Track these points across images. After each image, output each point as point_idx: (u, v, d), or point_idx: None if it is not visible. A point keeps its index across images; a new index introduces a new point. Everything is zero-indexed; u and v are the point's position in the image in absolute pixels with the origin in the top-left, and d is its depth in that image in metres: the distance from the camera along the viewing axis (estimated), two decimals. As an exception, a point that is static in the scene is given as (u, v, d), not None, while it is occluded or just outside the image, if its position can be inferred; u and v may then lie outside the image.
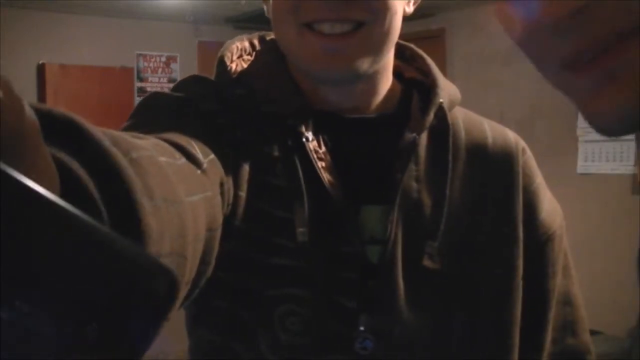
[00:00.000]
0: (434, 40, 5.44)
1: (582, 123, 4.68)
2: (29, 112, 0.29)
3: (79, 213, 0.27)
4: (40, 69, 5.28)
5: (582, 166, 4.70)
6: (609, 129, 0.32)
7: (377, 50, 0.76)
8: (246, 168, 0.75)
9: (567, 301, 0.88)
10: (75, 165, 0.38)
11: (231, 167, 0.72)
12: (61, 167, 0.37)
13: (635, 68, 0.29)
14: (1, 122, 0.27)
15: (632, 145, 4.41)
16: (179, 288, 0.33)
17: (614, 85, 0.30)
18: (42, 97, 5.19)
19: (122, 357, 0.28)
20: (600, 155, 4.61)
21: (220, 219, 0.65)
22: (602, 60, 0.30)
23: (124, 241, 0.28)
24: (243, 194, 0.74)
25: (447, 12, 5.34)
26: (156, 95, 0.77)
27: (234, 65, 0.83)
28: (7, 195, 0.25)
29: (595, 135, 4.63)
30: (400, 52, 0.86)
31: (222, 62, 0.83)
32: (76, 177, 0.38)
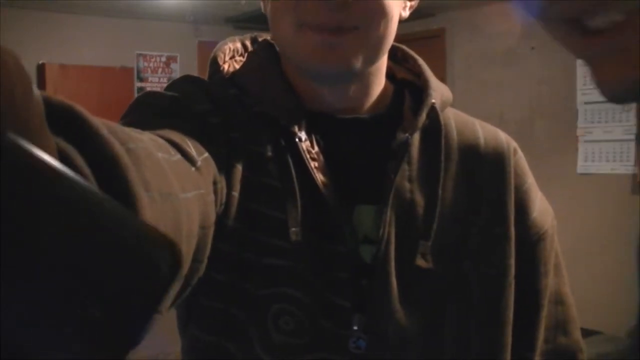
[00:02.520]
0: (434, 40, 5.45)
1: (582, 123, 4.68)
2: (36, 90, 0.29)
3: (89, 185, 0.26)
4: (40, 69, 5.29)
5: (582, 166, 4.70)
6: (616, 96, 0.33)
7: (372, 51, 0.77)
8: (239, 168, 0.75)
9: (559, 300, 0.88)
10: (72, 152, 0.38)
11: (224, 167, 0.72)
12: (59, 153, 0.37)
13: None
14: (14, 94, 0.26)
15: (632, 145, 4.41)
16: (182, 263, 0.32)
17: (622, 56, 0.31)
18: (42, 97, 5.18)
19: (120, 344, 0.27)
20: (600, 155, 4.62)
21: (213, 217, 0.65)
22: (611, 33, 0.31)
23: (131, 214, 0.27)
24: (236, 193, 0.74)
25: (447, 12, 5.34)
26: (149, 95, 0.77)
27: (226, 66, 0.84)
28: (18, 167, 0.24)
29: (595, 135, 4.63)
30: (392, 53, 0.86)
31: (214, 63, 0.83)
32: (74, 164, 0.38)
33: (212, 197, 0.66)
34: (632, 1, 0.30)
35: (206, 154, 0.67)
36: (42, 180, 0.25)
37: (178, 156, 0.60)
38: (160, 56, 5.92)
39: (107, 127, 0.42)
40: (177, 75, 5.88)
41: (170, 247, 0.29)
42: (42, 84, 5.25)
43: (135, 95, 5.53)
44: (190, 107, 0.75)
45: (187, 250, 0.56)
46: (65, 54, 5.39)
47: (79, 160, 0.38)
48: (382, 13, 0.74)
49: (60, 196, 0.25)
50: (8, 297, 0.24)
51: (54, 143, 0.31)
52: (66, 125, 0.38)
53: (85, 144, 0.39)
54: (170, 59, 5.97)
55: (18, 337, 0.25)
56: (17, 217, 0.24)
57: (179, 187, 0.54)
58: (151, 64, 5.90)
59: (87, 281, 0.26)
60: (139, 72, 5.85)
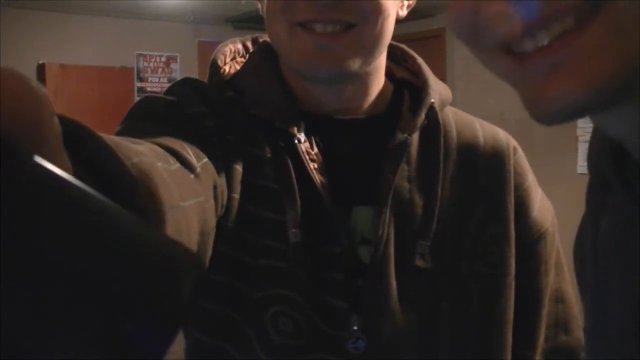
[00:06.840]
0: (434, 40, 5.45)
1: (581, 123, 4.68)
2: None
3: (112, 202, 0.27)
4: (40, 69, 5.29)
5: (582, 166, 4.70)
6: (549, 116, 0.33)
7: (367, 51, 0.76)
8: (239, 170, 0.75)
9: (560, 298, 0.88)
10: (81, 171, 0.38)
11: (224, 170, 0.72)
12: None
13: (579, 59, 0.31)
14: (42, 118, 0.27)
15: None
16: (203, 280, 0.33)
17: (559, 75, 0.31)
18: (42, 97, 5.19)
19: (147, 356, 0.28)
20: (600, 155, 4.62)
21: (212, 223, 0.65)
22: (547, 51, 0.31)
23: (154, 230, 0.28)
24: (237, 195, 0.75)
25: (447, 12, 5.34)
26: (148, 100, 0.78)
27: (227, 68, 0.84)
28: (47, 188, 0.25)
29: (595, 135, 4.62)
30: (391, 53, 0.86)
31: (214, 65, 0.84)
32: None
33: (211, 203, 0.66)
34: (557, 26, 0.31)
35: (205, 159, 0.67)
36: (69, 200, 0.26)
37: (177, 165, 0.61)
38: (160, 56, 5.92)
39: (112, 142, 0.43)
40: (177, 75, 5.89)
41: (193, 262, 0.29)
42: (42, 84, 5.25)
43: (135, 95, 5.49)
44: (188, 111, 0.75)
45: None
46: (65, 54, 5.39)
47: (89, 180, 0.39)
48: (378, 10, 0.74)
49: (86, 213, 0.26)
50: (40, 317, 0.25)
51: (69, 165, 0.31)
52: (71, 141, 0.39)
53: (92, 162, 0.40)
54: (170, 59, 5.97)
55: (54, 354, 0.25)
56: (45, 235, 0.25)
57: (178, 197, 0.54)
58: (151, 64, 5.90)
59: (113, 297, 0.26)
60: (139, 72, 5.85)
